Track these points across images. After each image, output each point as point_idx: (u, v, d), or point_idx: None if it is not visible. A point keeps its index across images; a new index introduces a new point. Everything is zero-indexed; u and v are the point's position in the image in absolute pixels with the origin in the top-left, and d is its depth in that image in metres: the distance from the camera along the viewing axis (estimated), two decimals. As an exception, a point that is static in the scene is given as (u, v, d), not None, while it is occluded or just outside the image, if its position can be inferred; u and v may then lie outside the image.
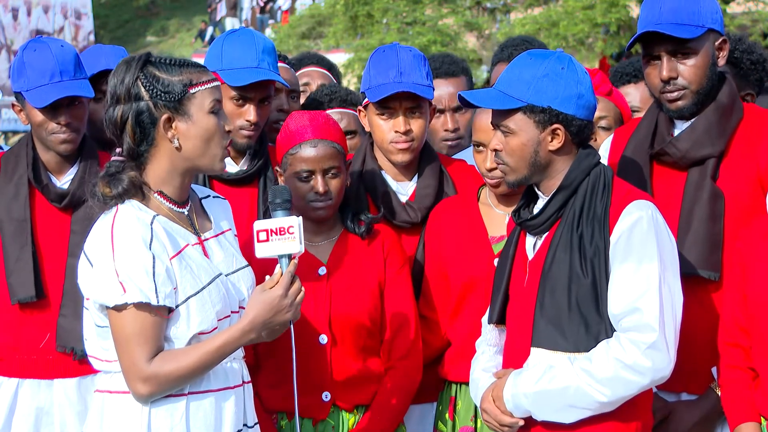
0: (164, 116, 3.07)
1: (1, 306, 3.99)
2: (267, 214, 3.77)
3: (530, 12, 22.19)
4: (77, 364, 3.95)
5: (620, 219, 3.22)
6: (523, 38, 5.20)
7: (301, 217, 3.17)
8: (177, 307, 3.06)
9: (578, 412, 3.22)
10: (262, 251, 3.14)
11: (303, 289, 3.13)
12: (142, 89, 3.07)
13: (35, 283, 3.93)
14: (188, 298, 3.06)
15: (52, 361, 3.98)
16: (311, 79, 5.29)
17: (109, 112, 3.11)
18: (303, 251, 3.14)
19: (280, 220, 3.15)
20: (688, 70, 3.57)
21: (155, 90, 3.06)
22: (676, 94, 3.59)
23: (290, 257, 3.12)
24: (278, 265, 3.13)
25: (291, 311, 3.09)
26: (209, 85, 3.12)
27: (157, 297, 2.99)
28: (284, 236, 3.12)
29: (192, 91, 3.09)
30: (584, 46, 21.18)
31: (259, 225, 3.15)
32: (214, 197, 3.37)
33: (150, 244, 3.02)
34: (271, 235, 3.13)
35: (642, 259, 3.19)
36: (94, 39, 28.54)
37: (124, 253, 2.99)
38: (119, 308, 3.00)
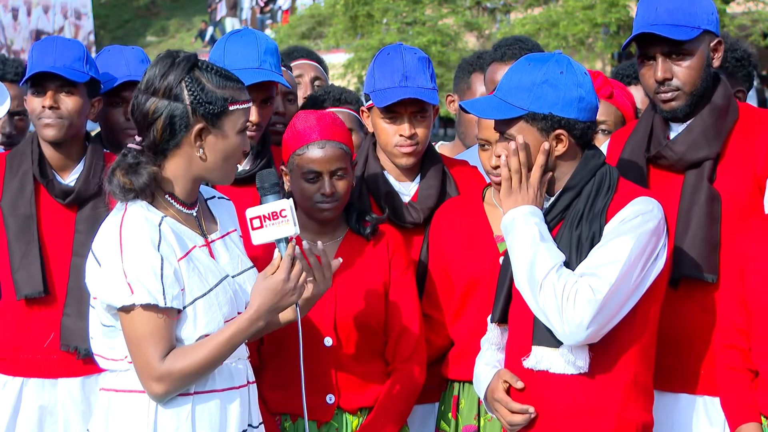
0: (199, 125, 3.07)
1: (5, 305, 3.99)
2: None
3: (530, 12, 22.22)
4: (81, 363, 3.95)
5: (623, 209, 3.23)
6: (516, 38, 5.20)
7: (291, 199, 3.16)
8: (184, 308, 3.06)
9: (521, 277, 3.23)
10: (257, 238, 3.13)
11: (304, 271, 3.12)
12: (186, 92, 3.06)
13: (42, 279, 3.93)
14: (195, 299, 3.07)
15: (56, 360, 3.97)
16: (303, 71, 5.28)
17: (140, 99, 3.09)
18: (298, 233, 3.13)
19: (271, 204, 3.13)
20: (682, 71, 3.57)
21: (198, 97, 3.06)
22: (670, 95, 3.59)
23: (287, 240, 3.12)
24: (276, 250, 3.13)
25: (296, 294, 3.09)
26: (245, 106, 3.14)
27: (164, 298, 3.00)
28: (278, 220, 3.11)
29: (231, 108, 3.10)
30: (584, 46, 21.21)
31: (251, 212, 3.14)
32: (219, 198, 3.38)
33: (158, 246, 3.03)
34: (265, 221, 3.12)
35: (623, 233, 3.18)
36: (94, 39, 28.52)
37: (133, 254, 3.00)
38: (127, 309, 3.01)
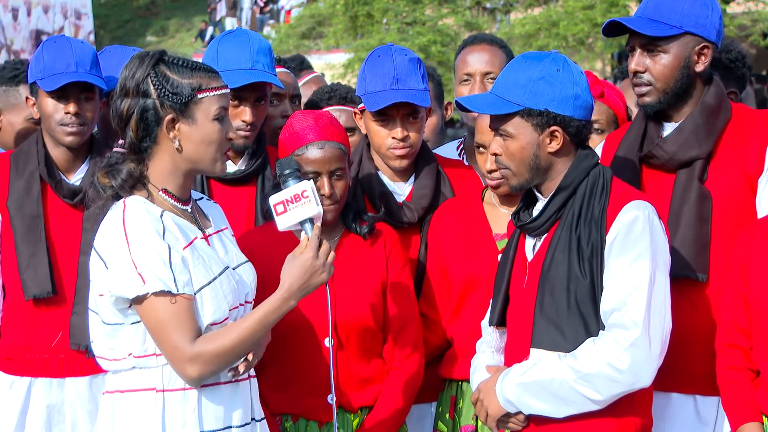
0: (169, 117, 3.11)
1: (13, 305, 4.01)
2: (267, 212, 3.79)
3: (530, 12, 22.20)
4: (89, 362, 3.95)
5: (617, 218, 3.25)
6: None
7: (312, 181, 3.21)
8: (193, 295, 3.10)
9: (564, 407, 3.24)
10: (283, 223, 3.18)
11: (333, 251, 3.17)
12: (151, 87, 3.11)
13: (50, 279, 3.94)
14: (201, 288, 3.10)
15: (64, 359, 4.00)
16: (318, 85, 5.32)
17: (116, 103, 3.15)
18: (322, 212, 3.18)
19: (293, 188, 3.18)
20: (655, 67, 3.61)
21: (164, 90, 3.10)
22: (643, 89, 3.64)
23: (312, 221, 3.16)
24: (303, 232, 3.17)
25: (325, 272, 3.13)
26: (218, 92, 3.16)
27: (176, 286, 3.03)
28: (300, 202, 3.16)
29: (200, 96, 3.13)
30: (584, 46, 21.18)
31: (274, 199, 3.19)
32: (207, 200, 3.43)
33: (163, 235, 3.07)
34: (288, 205, 3.17)
35: (634, 258, 3.22)
36: (94, 39, 28.51)
37: (140, 244, 3.03)
38: (141, 300, 3.03)
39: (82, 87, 3.97)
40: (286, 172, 3.23)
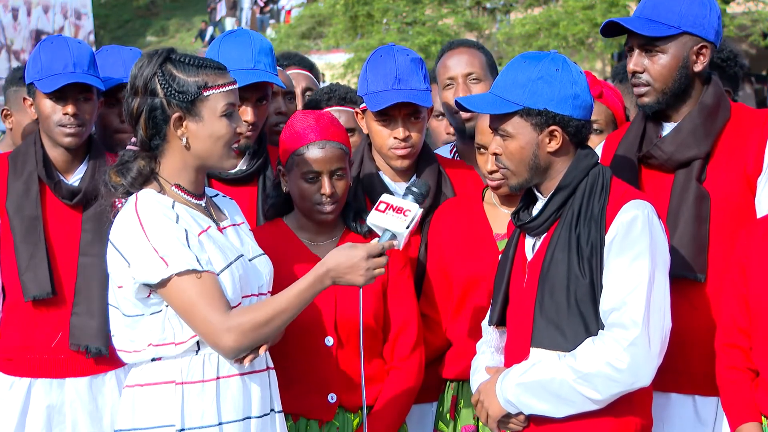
0: (176, 115, 3.14)
1: (13, 306, 4.01)
2: (268, 212, 3.84)
3: (530, 12, 22.20)
4: (89, 363, 3.98)
5: (616, 217, 3.25)
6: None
7: (422, 210, 3.27)
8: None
9: (564, 407, 3.24)
10: (372, 218, 3.25)
11: (384, 269, 3.19)
12: (158, 86, 3.14)
13: (50, 280, 3.95)
14: (218, 273, 3.13)
15: (63, 360, 4.00)
16: (296, 81, 5.29)
17: (127, 101, 3.19)
18: (405, 237, 3.23)
19: (404, 201, 3.25)
20: (653, 67, 3.61)
21: (170, 88, 3.13)
22: (642, 89, 3.64)
23: (393, 236, 3.22)
24: (376, 239, 3.23)
25: (363, 276, 3.14)
26: (225, 89, 3.19)
27: (199, 263, 3.07)
28: (399, 216, 3.22)
29: (206, 93, 3.15)
30: (584, 46, 21.18)
31: (386, 197, 3.27)
32: (222, 197, 3.45)
33: (177, 221, 3.11)
34: (388, 210, 3.24)
35: (634, 257, 3.22)
36: (94, 39, 28.50)
37: (156, 229, 3.07)
38: (165, 282, 3.06)
39: (80, 88, 3.97)
40: (415, 189, 3.28)
